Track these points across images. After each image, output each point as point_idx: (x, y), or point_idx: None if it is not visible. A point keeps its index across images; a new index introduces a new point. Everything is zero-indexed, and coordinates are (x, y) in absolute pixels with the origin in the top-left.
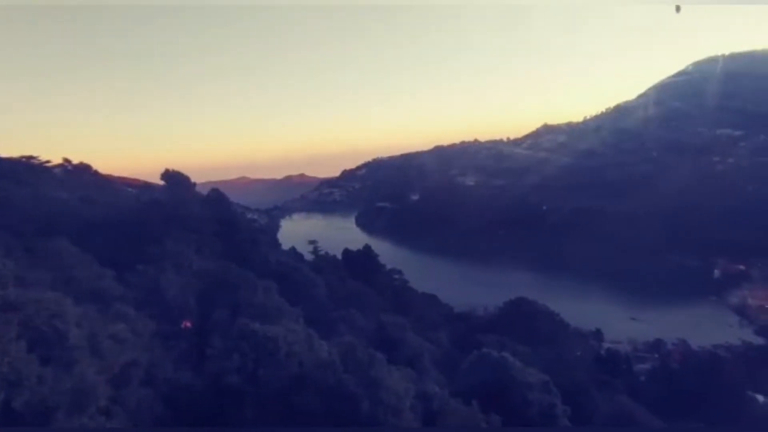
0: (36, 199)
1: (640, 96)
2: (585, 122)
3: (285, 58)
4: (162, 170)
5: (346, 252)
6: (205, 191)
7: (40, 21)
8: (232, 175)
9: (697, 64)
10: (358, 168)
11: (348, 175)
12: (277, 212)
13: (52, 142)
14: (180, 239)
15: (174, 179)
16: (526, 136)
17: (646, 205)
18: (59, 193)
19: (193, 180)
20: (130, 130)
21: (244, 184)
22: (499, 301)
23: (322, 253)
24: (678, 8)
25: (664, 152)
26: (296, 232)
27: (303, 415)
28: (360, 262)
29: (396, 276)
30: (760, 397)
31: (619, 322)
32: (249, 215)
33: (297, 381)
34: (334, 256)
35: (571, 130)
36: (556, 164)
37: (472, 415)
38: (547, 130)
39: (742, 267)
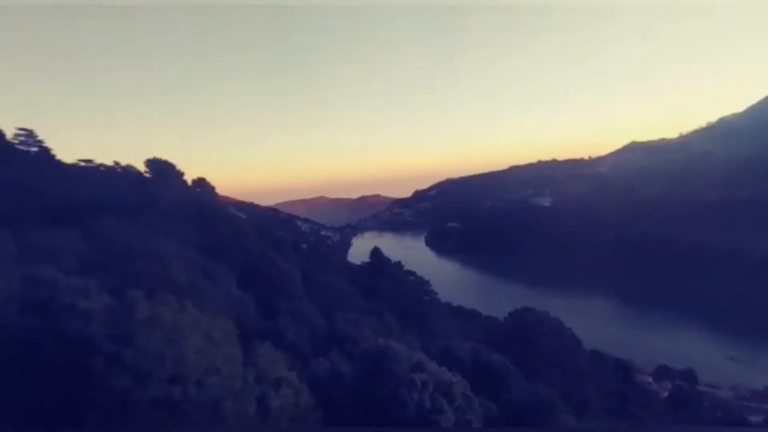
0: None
1: (753, 108)
2: (681, 139)
3: (363, 81)
4: (246, 189)
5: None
6: (286, 210)
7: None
8: (312, 195)
9: None
10: (430, 188)
11: (420, 196)
12: (349, 231)
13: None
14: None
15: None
16: (610, 154)
17: (751, 237)
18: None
19: (275, 199)
20: (211, 148)
21: (322, 203)
22: (578, 331)
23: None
24: None
25: None
26: (366, 250)
27: None
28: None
29: (411, 277)
30: None
31: (715, 362)
32: (323, 232)
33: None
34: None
35: (663, 147)
36: (644, 185)
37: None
38: (634, 147)
39: None
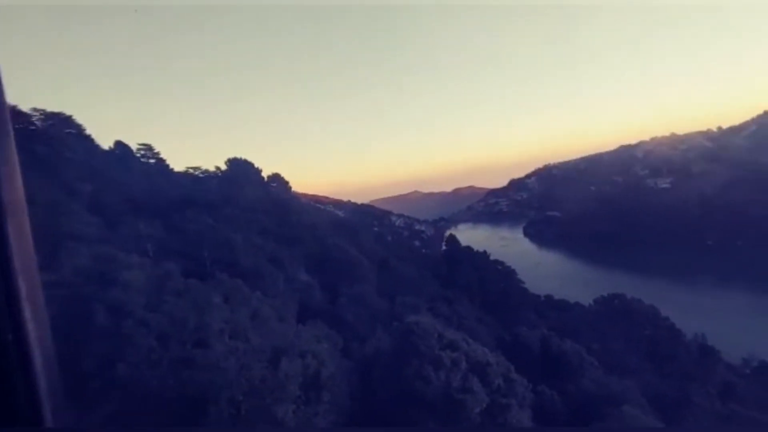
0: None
1: None
2: None
3: (449, 76)
4: (343, 189)
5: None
6: (382, 206)
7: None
8: (406, 190)
9: None
10: (527, 176)
11: (516, 185)
12: (443, 224)
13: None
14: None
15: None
16: (745, 124)
17: None
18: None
19: (371, 197)
20: (315, 149)
21: (416, 198)
22: (705, 329)
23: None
24: None
25: None
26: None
27: None
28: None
29: (499, 267)
30: None
31: None
32: (417, 226)
33: None
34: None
35: None
36: None
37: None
38: None
39: None
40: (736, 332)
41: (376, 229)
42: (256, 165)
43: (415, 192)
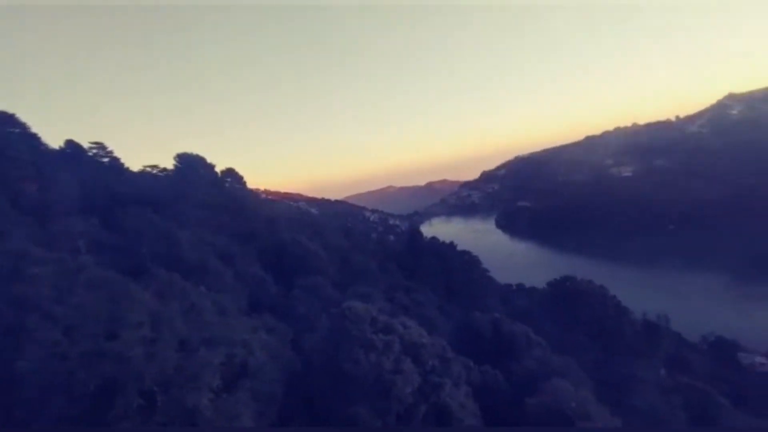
0: None
1: None
2: None
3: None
4: (317, 184)
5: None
6: (356, 202)
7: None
8: (381, 185)
9: None
10: (498, 168)
11: (487, 177)
12: (417, 218)
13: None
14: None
15: (187, 161)
16: (704, 111)
17: None
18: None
19: (345, 193)
20: (288, 148)
21: (391, 193)
22: (667, 310)
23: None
24: None
25: None
26: (433, 235)
27: None
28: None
29: (465, 257)
30: None
31: None
32: (391, 221)
33: None
34: None
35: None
36: (742, 144)
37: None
38: (733, 100)
39: None
40: (697, 312)
41: (350, 225)
42: (208, 160)
43: (390, 187)
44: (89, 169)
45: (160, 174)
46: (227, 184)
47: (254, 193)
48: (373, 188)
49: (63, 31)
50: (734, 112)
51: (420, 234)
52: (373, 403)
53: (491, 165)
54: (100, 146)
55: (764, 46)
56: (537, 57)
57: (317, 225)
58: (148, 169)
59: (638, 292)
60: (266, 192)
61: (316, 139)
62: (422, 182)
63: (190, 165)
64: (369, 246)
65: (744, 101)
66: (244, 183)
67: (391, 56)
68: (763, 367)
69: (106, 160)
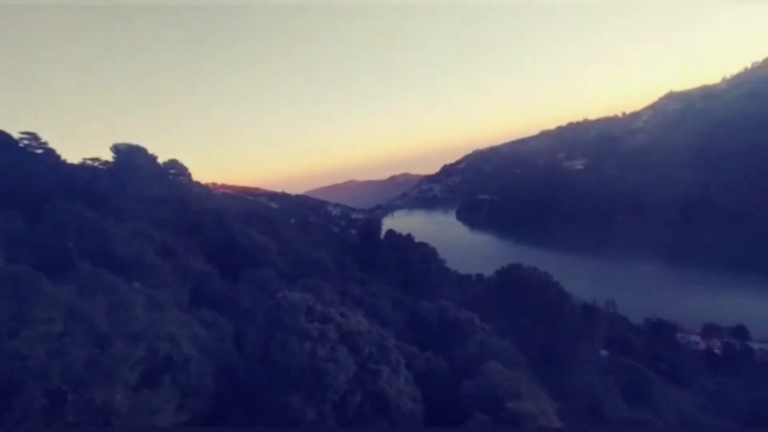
0: None
1: None
2: (726, 83)
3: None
4: (278, 179)
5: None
6: (318, 196)
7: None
8: (342, 180)
9: None
10: (458, 162)
11: (448, 170)
12: (379, 212)
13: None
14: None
15: (126, 153)
16: (646, 108)
17: None
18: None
19: (306, 187)
20: (238, 140)
21: (352, 186)
22: (615, 296)
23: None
24: None
25: None
26: (396, 229)
27: None
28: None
29: (423, 249)
30: None
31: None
32: (353, 215)
33: None
34: None
35: (704, 95)
36: (682, 139)
37: None
38: (672, 98)
39: None
40: (641, 297)
41: (312, 219)
42: (150, 151)
43: (352, 181)
44: (15, 160)
45: (100, 167)
46: (170, 176)
47: (201, 186)
48: (335, 182)
49: (52, 29)
50: (674, 108)
51: (377, 227)
52: (307, 392)
53: (452, 159)
54: (33, 137)
55: (698, 48)
56: (492, 54)
57: (271, 219)
58: (89, 161)
59: (588, 279)
60: (222, 186)
61: (278, 133)
62: (385, 176)
63: (129, 156)
64: (325, 239)
65: (682, 99)
66: (189, 175)
67: (352, 51)
68: (696, 346)
69: (39, 151)
